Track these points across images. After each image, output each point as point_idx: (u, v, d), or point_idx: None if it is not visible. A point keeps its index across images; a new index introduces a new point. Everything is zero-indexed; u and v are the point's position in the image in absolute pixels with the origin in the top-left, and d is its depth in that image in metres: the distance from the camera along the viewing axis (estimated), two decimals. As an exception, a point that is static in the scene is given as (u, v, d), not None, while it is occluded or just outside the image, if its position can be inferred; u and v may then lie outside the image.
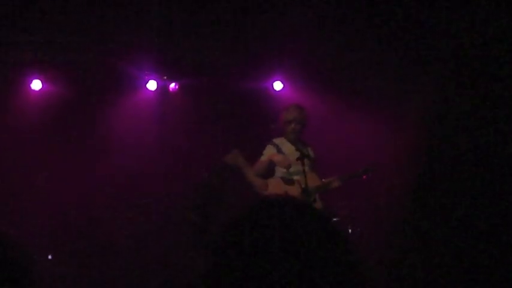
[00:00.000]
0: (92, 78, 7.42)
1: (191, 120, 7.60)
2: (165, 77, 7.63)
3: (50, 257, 6.95)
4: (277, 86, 7.86)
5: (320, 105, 7.38)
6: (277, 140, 5.68)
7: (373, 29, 7.00)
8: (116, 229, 7.28)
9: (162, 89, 7.67)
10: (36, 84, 7.40)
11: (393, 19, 6.87)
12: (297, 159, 5.37)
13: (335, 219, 6.02)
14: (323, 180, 5.66)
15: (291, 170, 5.57)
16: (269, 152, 5.63)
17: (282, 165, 5.55)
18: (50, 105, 7.46)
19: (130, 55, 7.33)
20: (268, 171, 5.66)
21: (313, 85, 7.62)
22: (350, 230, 6.18)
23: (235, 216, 1.19)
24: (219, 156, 6.67)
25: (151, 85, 7.61)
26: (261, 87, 7.84)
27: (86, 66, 7.33)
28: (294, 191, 5.43)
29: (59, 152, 7.29)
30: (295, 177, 5.51)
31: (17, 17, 6.64)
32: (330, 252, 1.13)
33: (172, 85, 7.66)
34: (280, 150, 5.60)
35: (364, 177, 5.67)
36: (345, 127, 7.51)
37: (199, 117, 7.61)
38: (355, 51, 7.30)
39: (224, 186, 5.99)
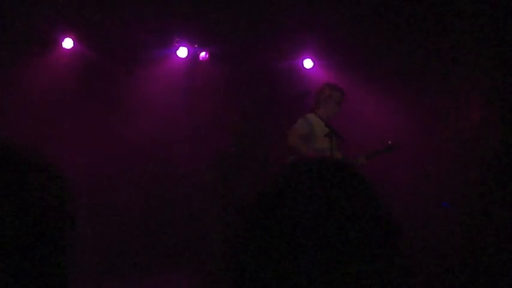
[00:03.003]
0: (124, 42, 7.39)
1: (220, 89, 7.57)
2: (196, 45, 7.60)
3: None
4: (307, 63, 7.82)
5: (349, 85, 7.32)
6: (308, 116, 5.65)
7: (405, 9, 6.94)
8: (139, 193, 7.32)
9: (192, 56, 7.64)
10: (68, 43, 7.38)
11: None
12: (326, 135, 5.37)
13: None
14: (348, 158, 5.66)
15: (318, 146, 5.55)
16: (300, 126, 5.61)
17: None
18: (79, 65, 7.43)
19: (162, 21, 7.31)
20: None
21: (344, 65, 7.56)
22: None
23: (273, 175, 1.15)
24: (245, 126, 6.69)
25: (182, 52, 7.57)
26: (291, 63, 7.80)
27: (118, 29, 7.29)
28: None
29: (87, 114, 7.28)
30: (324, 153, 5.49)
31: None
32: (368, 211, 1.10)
33: (202, 54, 7.62)
34: (311, 125, 5.58)
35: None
36: (373, 107, 7.45)
37: (227, 87, 7.59)
38: (387, 32, 7.24)
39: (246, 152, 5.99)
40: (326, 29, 7.30)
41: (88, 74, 7.39)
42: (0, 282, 1.06)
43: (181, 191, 7.39)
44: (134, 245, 7.04)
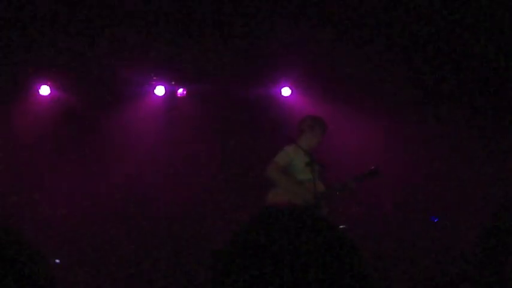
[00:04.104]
0: (100, 84, 7.42)
1: (199, 125, 7.59)
2: (173, 82, 7.62)
3: (57, 261, 6.94)
4: (286, 92, 7.86)
5: (327, 112, 7.38)
6: (288, 148, 5.65)
7: (381, 36, 7.05)
8: (125, 235, 7.28)
9: (170, 94, 7.66)
10: (45, 90, 7.40)
11: (400, 28, 6.93)
12: (306, 164, 5.38)
13: (342, 226, 6.03)
14: (333, 184, 5.67)
15: (300, 177, 5.57)
16: (280, 158, 5.61)
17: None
18: (58, 111, 7.46)
19: (138, 61, 7.34)
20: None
21: (321, 91, 7.61)
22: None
23: (241, 224, 1.20)
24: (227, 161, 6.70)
25: (159, 90, 7.60)
26: (269, 93, 7.84)
27: (94, 72, 7.33)
28: (306, 196, 5.43)
29: (68, 158, 7.30)
30: (306, 184, 5.50)
31: (26, 23, 6.67)
32: (335, 261, 1.12)
33: (180, 90, 7.65)
34: (291, 157, 5.58)
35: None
36: (352, 133, 7.49)
37: (207, 122, 7.60)
38: (362, 58, 7.32)
39: None
40: (303, 58, 7.36)
41: (66, 119, 7.41)
42: None
43: (164, 228, 7.36)
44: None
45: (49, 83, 7.38)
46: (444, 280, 5.96)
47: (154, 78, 7.57)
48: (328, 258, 1.10)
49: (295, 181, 5.56)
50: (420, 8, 6.73)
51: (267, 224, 1.15)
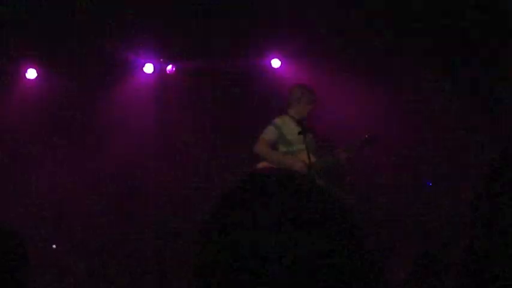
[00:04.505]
0: (88, 64, 7.34)
1: (190, 101, 7.53)
2: (162, 60, 7.54)
3: (54, 246, 6.92)
4: (275, 63, 7.80)
5: (318, 81, 7.31)
6: (277, 120, 5.61)
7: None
8: (117, 216, 7.25)
9: (159, 71, 7.58)
10: (31, 73, 7.32)
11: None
12: (299, 133, 5.34)
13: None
14: (325, 155, 5.64)
15: (292, 148, 5.54)
16: (268, 133, 5.56)
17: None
18: (46, 94, 7.39)
19: (125, 39, 7.26)
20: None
21: (310, 60, 7.54)
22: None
23: (226, 192, 1.12)
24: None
25: (148, 68, 7.51)
26: (259, 66, 7.76)
27: (80, 52, 7.24)
28: (298, 165, 5.39)
29: (58, 140, 7.25)
30: (299, 154, 5.46)
31: (9, 5, 6.59)
32: (331, 226, 1.06)
33: (169, 67, 7.57)
34: (280, 130, 5.55)
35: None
36: (342, 101, 7.42)
37: (198, 98, 7.55)
38: (351, 25, 7.24)
39: None
40: (290, 28, 7.29)
41: (54, 101, 7.34)
42: None
43: (157, 208, 7.32)
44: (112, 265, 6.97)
45: (35, 66, 7.29)
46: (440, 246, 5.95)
47: (143, 56, 7.48)
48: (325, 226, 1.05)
49: (288, 152, 5.53)
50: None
51: (252, 193, 1.08)
